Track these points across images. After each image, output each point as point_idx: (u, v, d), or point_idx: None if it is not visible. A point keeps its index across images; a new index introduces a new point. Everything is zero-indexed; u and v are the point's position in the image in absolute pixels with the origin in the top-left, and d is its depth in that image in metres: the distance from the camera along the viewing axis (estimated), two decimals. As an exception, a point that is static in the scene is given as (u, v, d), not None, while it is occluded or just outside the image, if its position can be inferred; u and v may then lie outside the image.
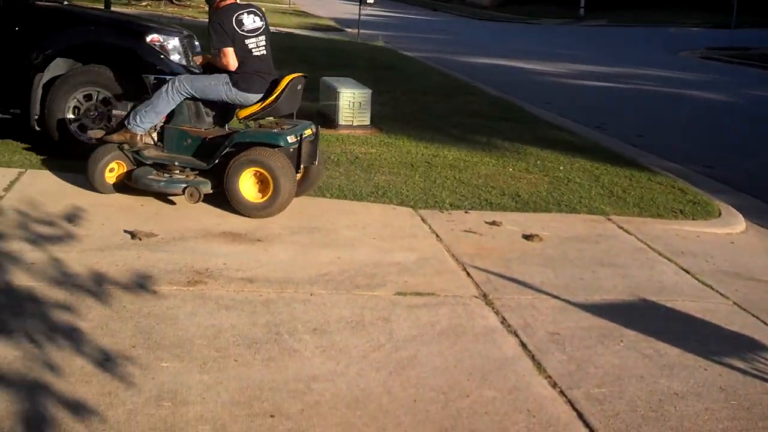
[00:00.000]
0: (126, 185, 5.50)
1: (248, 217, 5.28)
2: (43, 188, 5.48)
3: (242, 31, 5.56)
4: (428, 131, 8.92)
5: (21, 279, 3.95)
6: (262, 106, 5.51)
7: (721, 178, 8.59)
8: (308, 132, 5.65)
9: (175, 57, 6.70)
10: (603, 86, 16.68)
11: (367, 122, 8.73)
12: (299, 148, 5.47)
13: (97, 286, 3.96)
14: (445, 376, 3.44)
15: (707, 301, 4.74)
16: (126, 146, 5.50)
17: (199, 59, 5.94)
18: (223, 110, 5.80)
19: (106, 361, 3.25)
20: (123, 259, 4.36)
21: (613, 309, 4.45)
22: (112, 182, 5.52)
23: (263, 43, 5.68)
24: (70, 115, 6.36)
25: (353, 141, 8.13)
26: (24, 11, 6.40)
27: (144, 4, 27.39)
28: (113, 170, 5.54)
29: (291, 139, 5.40)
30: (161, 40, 6.59)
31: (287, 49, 16.91)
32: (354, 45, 20.03)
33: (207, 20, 15.14)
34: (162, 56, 6.54)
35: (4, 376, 3.06)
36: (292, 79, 5.56)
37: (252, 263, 4.51)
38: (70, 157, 6.32)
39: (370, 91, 8.77)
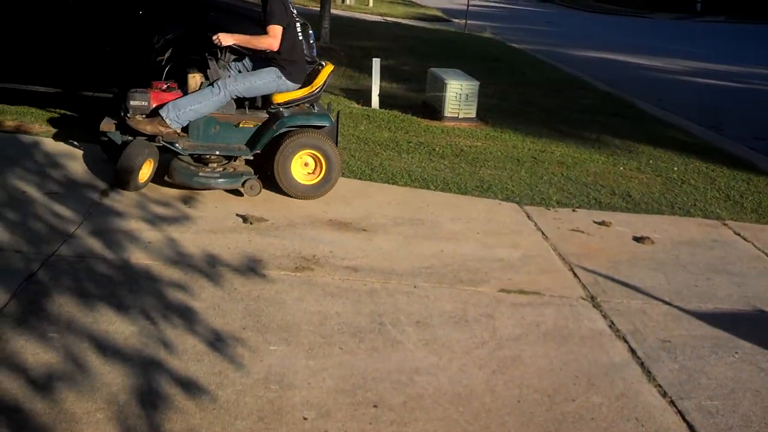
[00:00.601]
0: (161, 182, 5.20)
1: (301, 199, 5.35)
2: (158, 170, 5.67)
3: (292, 15, 5.49)
4: (535, 125, 8.77)
5: (138, 257, 4.11)
6: (305, 93, 5.51)
7: None
8: (334, 114, 5.75)
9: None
10: (719, 85, 15.96)
11: (473, 115, 8.65)
12: (336, 127, 5.62)
13: (210, 267, 4.08)
14: (551, 379, 3.37)
15: (831, 316, 4.47)
16: (157, 139, 5.09)
17: (227, 38, 5.19)
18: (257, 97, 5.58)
19: (217, 341, 3.35)
20: (235, 241, 4.48)
21: (728, 318, 4.26)
22: (142, 181, 5.06)
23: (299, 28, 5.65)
24: None
25: (459, 133, 8.08)
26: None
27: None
28: (145, 168, 5.12)
29: (332, 119, 5.53)
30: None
31: (394, 38, 16.99)
32: (461, 36, 19.88)
33: (317, 8, 15.30)
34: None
35: (120, 351, 3.19)
36: (332, 70, 5.66)
37: (357, 252, 4.55)
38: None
39: (478, 82, 8.68)
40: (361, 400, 3.03)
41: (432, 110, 8.81)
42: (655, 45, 23.13)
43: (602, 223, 5.69)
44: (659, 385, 3.43)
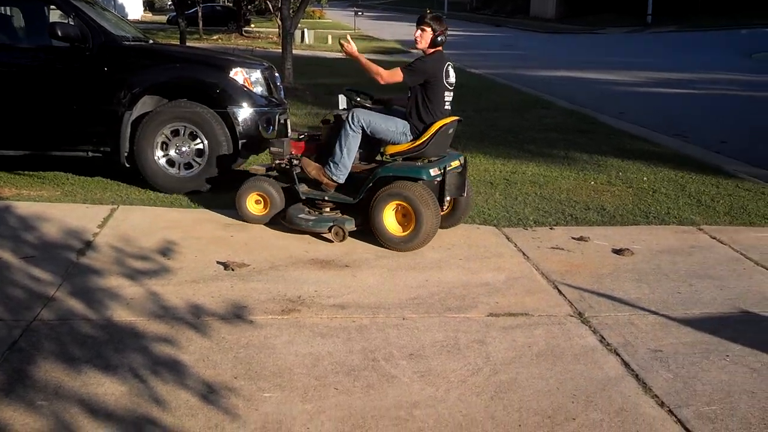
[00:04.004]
0: (273, 219, 5.72)
1: (394, 250, 5.29)
2: (135, 223, 5.64)
3: (447, 83, 5.58)
4: (504, 148, 8.85)
5: (121, 314, 4.05)
6: (410, 147, 5.48)
7: (812, 182, 8.24)
8: (455, 164, 5.60)
9: (257, 89, 6.86)
10: (678, 93, 16.29)
11: (442, 142, 8.68)
12: (443, 181, 5.43)
13: (195, 318, 4.03)
14: (549, 399, 3.36)
15: (815, 311, 4.53)
16: (282, 180, 5.74)
17: (350, 48, 5.59)
18: (371, 145, 5.75)
19: (210, 393, 3.29)
20: (218, 290, 4.43)
21: (715, 322, 4.29)
22: (258, 214, 5.73)
23: (451, 97, 5.69)
24: (159, 151, 6.56)
25: (430, 162, 8.10)
26: (112, 52, 6.63)
27: (215, 37, 28.18)
28: (259, 202, 5.76)
29: (434, 172, 5.37)
30: (244, 74, 6.76)
31: (356, 73, 17.08)
32: (421, 66, 20.06)
33: (280, 50, 15.38)
34: (245, 89, 6.71)
35: (112, 413, 3.12)
36: (444, 125, 5.48)
37: (342, 289, 4.53)
38: (158, 191, 6.52)
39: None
40: (362, 440, 2.99)
41: (401, 141, 8.84)
42: (612, 60, 23.59)
43: (581, 239, 5.73)
44: (656, 396, 3.43)
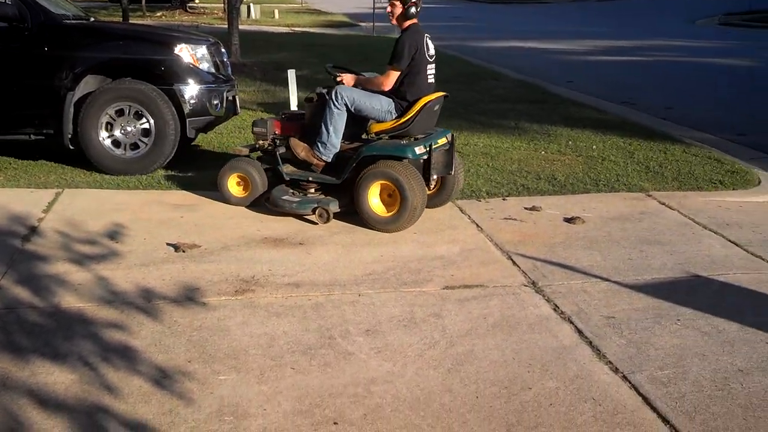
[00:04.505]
0: (255, 201, 5.62)
1: (380, 231, 5.17)
2: (82, 207, 5.49)
3: (428, 55, 5.45)
4: (455, 120, 8.83)
5: (69, 301, 3.94)
6: (394, 125, 5.37)
7: (755, 144, 8.44)
8: (442, 141, 5.46)
9: (204, 66, 6.71)
10: (624, 60, 16.46)
11: (393, 116, 8.63)
12: (429, 159, 5.30)
13: (146, 302, 3.95)
14: (505, 370, 3.38)
15: (760, 272, 4.64)
16: (266, 161, 5.66)
17: (348, 78, 5.51)
18: (356, 123, 5.58)
19: (163, 378, 3.23)
20: (169, 272, 4.34)
21: (666, 287, 4.36)
22: (240, 195, 5.64)
23: (433, 70, 5.56)
24: (103, 132, 6.38)
25: (381, 136, 8.05)
26: (52, 31, 6.41)
27: (159, 14, 27.51)
28: (240, 184, 5.65)
29: (419, 150, 5.23)
30: (189, 50, 6.60)
31: (304, 48, 16.90)
32: (370, 39, 19.98)
33: (225, 26, 15.14)
34: (191, 66, 6.55)
35: (62, 403, 3.04)
36: (429, 101, 5.37)
37: (297, 267, 4.48)
38: (105, 173, 6.36)
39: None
40: (321, 419, 2.97)
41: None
42: (559, 29, 23.73)
43: (533, 209, 5.77)
44: (610, 362, 3.48)
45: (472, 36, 21.41)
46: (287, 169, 5.56)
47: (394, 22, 5.52)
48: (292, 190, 5.51)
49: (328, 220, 5.25)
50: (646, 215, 5.72)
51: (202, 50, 6.79)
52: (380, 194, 5.22)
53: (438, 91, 5.55)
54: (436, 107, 5.54)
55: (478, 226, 5.38)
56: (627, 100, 11.14)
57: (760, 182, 6.72)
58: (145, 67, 6.45)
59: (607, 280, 4.46)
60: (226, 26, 14.45)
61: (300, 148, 5.49)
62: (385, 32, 21.22)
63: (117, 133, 6.41)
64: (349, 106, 5.36)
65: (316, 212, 5.27)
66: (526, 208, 5.78)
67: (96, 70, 6.43)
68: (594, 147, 7.83)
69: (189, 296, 4.03)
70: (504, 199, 6.05)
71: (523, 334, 3.74)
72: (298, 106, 6.18)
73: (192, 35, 7.56)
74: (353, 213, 5.29)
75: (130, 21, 18.49)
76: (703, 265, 4.73)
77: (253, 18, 27.38)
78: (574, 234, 5.26)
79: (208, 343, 3.53)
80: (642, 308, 4.08)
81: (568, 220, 5.54)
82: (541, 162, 7.22)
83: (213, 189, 6.00)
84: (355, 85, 5.50)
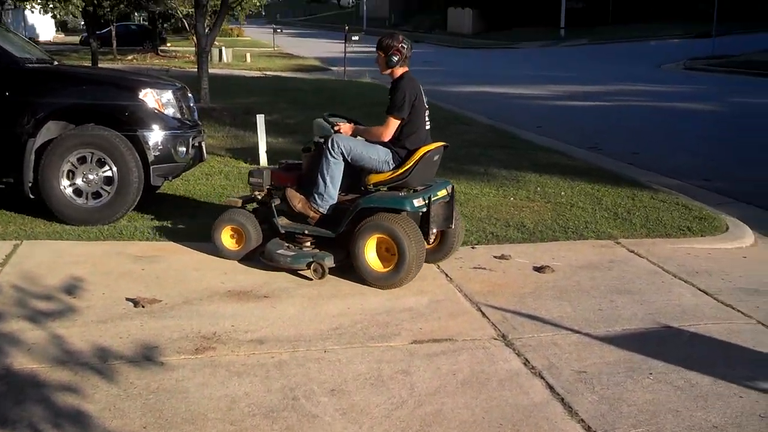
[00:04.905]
0: (250, 255, 5.43)
1: (376, 287, 4.96)
2: (41, 259, 5.33)
3: (425, 103, 5.34)
4: (425, 166, 8.80)
5: (22, 362, 3.77)
6: (392, 176, 5.16)
7: (721, 190, 8.52)
8: (441, 193, 5.27)
9: (169, 111, 6.61)
10: (591, 106, 16.69)
11: (363, 162, 8.60)
12: (428, 212, 5.13)
13: (102, 362, 3.79)
14: (475, 431, 3.27)
15: (730, 322, 4.60)
16: (261, 213, 5.51)
17: (346, 128, 5.36)
18: (353, 174, 5.37)
19: (117, 445, 3.08)
20: (127, 330, 4.19)
21: (637, 339, 4.30)
22: (233, 249, 5.45)
23: (428, 118, 5.42)
24: (65, 180, 6.23)
25: (350, 183, 8.00)
26: (14, 75, 6.29)
27: (130, 57, 27.49)
28: (234, 237, 5.48)
29: (418, 202, 5.04)
30: (155, 95, 6.50)
31: (275, 92, 16.92)
32: (341, 83, 20.07)
33: (195, 69, 15.09)
34: (156, 111, 6.45)
35: (10, 471, 2.88)
36: (428, 151, 5.19)
37: (261, 322, 4.36)
38: (66, 223, 6.20)
39: (364, 129, 8.65)
40: (282, 487, 2.83)
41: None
42: (528, 74, 24.06)
43: (502, 257, 5.71)
44: (582, 420, 3.39)
45: (444, 81, 21.60)
46: (282, 221, 5.37)
47: (383, 72, 5.42)
48: (287, 244, 5.29)
49: (323, 275, 5.05)
50: (615, 263, 5.69)
51: (168, 95, 6.70)
52: (377, 248, 5.01)
53: (446, 143, 5.46)
54: (436, 157, 5.38)
55: (447, 275, 5.31)
56: (594, 146, 11.25)
57: (727, 228, 6.74)
58: (109, 112, 6.33)
59: (577, 332, 4.39)
60: (196, 70, 14.42)
61: (296, 200, 5.31)
62: (356, 77, 21.37)
63: (79, 181, 6.26)
64: (346, 156, 5.19)
65: (311, 267, 5.07)
66: (495, 257, 5.72)
67: (58, 115, 6.30)
68: (562, 193, 7.84)
69: (147, 355, 3.87)
70: (473, 248, 5.99)
71: (493, 391, 3.64)
72: (304, 149, 5.81)
73: (158, 80, 7.48)
74: (350, 268, 5.10)
75: (100, 65, 18.41)
76: (673, 315, 4.68)
77: (225, 61, 27.49)
78: (544, 283, 5.21)
79: (165, 407, 3.37)
80: (614, 362, 4.01)
81: (538, 269, 5.48)
82: (510, 209, 7.19)
83: (177, 238, 5.89)
84: (353, 135, 5.36)
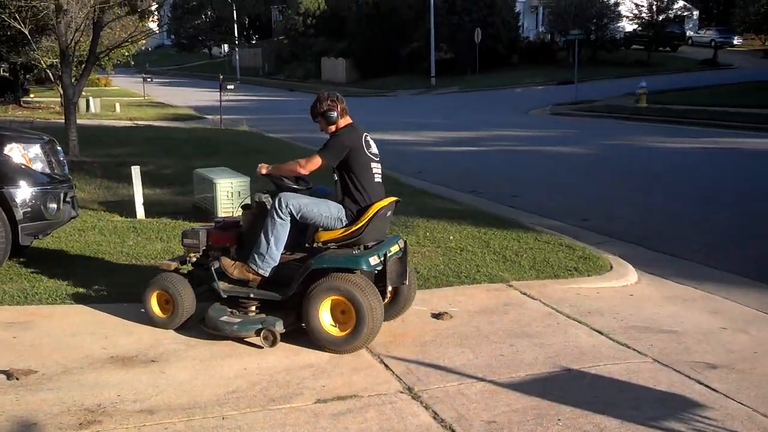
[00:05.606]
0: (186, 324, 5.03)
1: (333, 353, 4.65)
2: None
3: (370, 153, 5.03)
4: (311, 215, 8.65)
5: None
6: (344, 234, 4.87)
7: (598, 228, 8.82)
8: (394, 249, 5.01)
9: (37, 166, 6.19)
10: (467, 150, 17.10)
11: (248, 212, 8.35)
12: (384, 270, 4.86)
13: (-30, 446, 3.38)
14: (391, 495, 3.10)
15: (628, 362, 4.66)
16: (200, 279, 5.07)
17: (263, 169, 5.09)
18: (298, 231, 5.01)
19: None
20: (0, 406, 3.77)
21: (541, 384, 4.28)
22: (165, 316, 5.00)
23: (379, 169, 5.14)
24: None
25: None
26: None
27: (-11, 109, 25.95)
28: (165, 303, 5.02)
29: (374, 260, 4.77)
30: (21, 149, 6.06)
31: (149, 142, 16.37)
32: (218, 132, 19.70)
33: (63, 121, 14.38)
34: (23, 166, 6.01)
35: None
36: (382, 207, 4.93)
37: (150, 390, 4.03)
38: None
39: (248, 178, 8.44)
40: None
41: (204, 212, 8.42)
42: (404, 121, 24.48)
43: (400, 306, 5.60)
44: (499, 474, 3.29)
45: (317, 127, 21.61)
46: (224, 285, 4.95)
47: (329, 132, 5.14)
48: (230, 310, 4.90)
49: (274, 342, 4.69)
50: (510, 306, 5.70)
51: (36, 149, 6.28)
52: (332, 311, 4.71)
53: (398, 198, 5.25)
54: (389, 213, 5.15)
55: (345, 328, 5.14)
56: (474, 189, 11.46)
57: (612, 267, 6.94)
58: None
59: (482, 379, 4.32)
60: (63, 121, 13.74)
61: (231, 268, 4.95)
62: (232, 124, 21.05)
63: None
64: (295, 215, 4.86)
65: (261, 335, 4.70)
66: (392, 306, 5.60)
67: None
68: (451, 237, 7.87)
69: (23, 435, 3.48)
70: (369, 297, 5.85)
71: (405, 450, 3.48)
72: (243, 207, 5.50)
73: (24, 133, 7.01)
74: (302, 332, 4.78)
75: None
76: (573, 357, 4.71)
77: (93, 112, 26.45)
78: (444, 330, 5.13)
79: (48, 494, 3.02)
80: (521, 409, 3.95)
81: (436, 316, 5.42)
82: (401, 255, 7.12)
83: (51, 301, 5.44)
84: (270, 172, 5.09)
